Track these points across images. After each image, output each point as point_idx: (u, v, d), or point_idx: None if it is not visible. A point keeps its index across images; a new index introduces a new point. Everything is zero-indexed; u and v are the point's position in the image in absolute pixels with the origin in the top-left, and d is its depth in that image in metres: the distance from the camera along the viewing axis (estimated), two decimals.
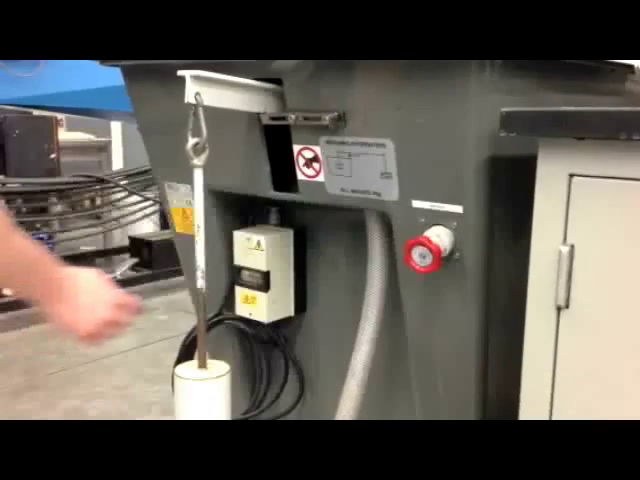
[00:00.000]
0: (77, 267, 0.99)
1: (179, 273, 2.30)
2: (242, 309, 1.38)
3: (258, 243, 1.32)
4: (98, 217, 4.67)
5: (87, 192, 4.07)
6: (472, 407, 1.13)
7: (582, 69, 1.12)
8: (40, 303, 0.96)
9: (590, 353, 0.90)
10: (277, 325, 1.41)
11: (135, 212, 4.28)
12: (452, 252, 1.04)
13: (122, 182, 4.07)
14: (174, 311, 3.80)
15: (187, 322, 1.52)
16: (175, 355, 1.46)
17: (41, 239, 4.55)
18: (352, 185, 1.13)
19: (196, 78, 1.02)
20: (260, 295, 1.35)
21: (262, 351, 1.46)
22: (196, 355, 1.15)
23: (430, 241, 1.01)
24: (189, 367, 1.07)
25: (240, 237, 1.36)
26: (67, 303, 0.95)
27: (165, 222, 4.52)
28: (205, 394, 1.03)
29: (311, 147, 1.15)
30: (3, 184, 3.68)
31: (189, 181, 1.15)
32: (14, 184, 3.69)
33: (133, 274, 4.33)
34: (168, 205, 1.47)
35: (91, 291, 0.97)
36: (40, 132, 4.04)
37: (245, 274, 1.36)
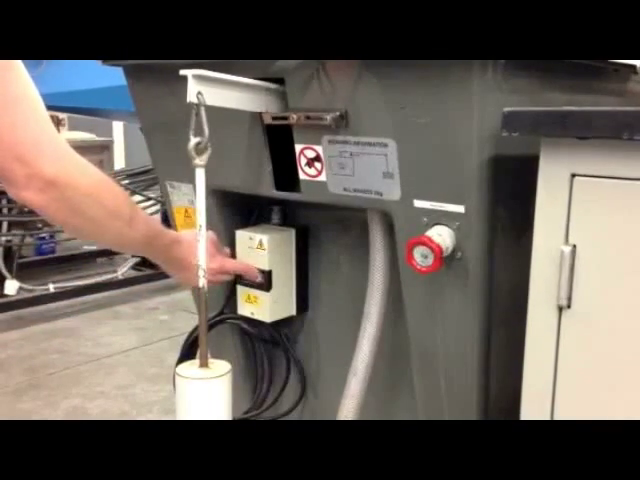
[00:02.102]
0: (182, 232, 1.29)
1: None
2: (244, 308, 1.38)
3: (260, 242, 1.33)
4: None
5: None
6: (474, 407, 1.13)
7: (585, 69, 1.11)
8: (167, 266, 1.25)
9: (592, 353, 0.89)
10: (279, 324, 1.41)
11: None
12: (454, 252, 1.04)
13: (124, 182, 4.07)
14: (176, 311, 3.81)
15: (189, 322, 1.52)
16: (177, 354, 1.46)
17: (43, 238, 4.57)
18: (354, 185, 1.13)
19: (198, 77, 1.02)
20: (262, 294, 1.35)
21: (264, 350, 1.46)
22: (198, 354, 1.15)
23: (432, 241, 1.01)
24: (191, 366, 1.07)
25: (242, 236, 1.36)
26: (183, 269, 1.22)
27: (167, 222, 4.52)
28: (206, 393, 1.03)
29: (313, 146, 1.15)
30: None
31: (191, 180, 1.16)
32: None
33: (135, 273, 4.33)
34: (170, 204, 1.47)
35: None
36: None
37: None
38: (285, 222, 1.40)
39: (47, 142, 0.94)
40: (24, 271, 4.00)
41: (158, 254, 1.21)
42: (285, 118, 1.16)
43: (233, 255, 1.37)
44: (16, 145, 0.90)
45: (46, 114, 0.95)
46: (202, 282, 1.05)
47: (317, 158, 1.16)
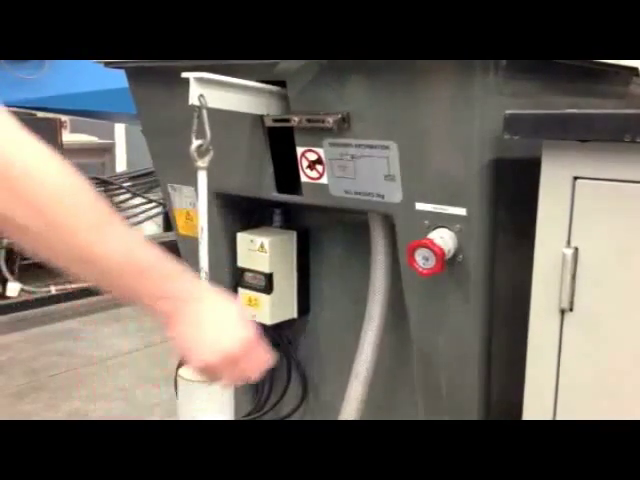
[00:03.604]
0: (207, 288, 0.87)
1: None
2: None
3: (261, 245, 1.32)
4: None
5: None
6: (475, 410, 1.13)
7: (586, 72, 1.11)
8: (151, 314, 0.82)
9: (594, 356, 0.89)
10: (280, 327, 1.41)
11: (138, 214, 4.28)
12: (455, 254, 1.04)
13: (125, 184, 4.08)
14: None
15: None
16: (178, 357, 1.46)
17: None
18: (355, 187, 1.13)
19: (200, 80, 1.02)
20: (263, 297, 1.35)
21: None
22: None
23: (433, 243, 1.01)
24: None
25: (243, 239, 1.36)
26: (187, 326, 0.81)
27: (168, 224, 4.52)
28: (208, 396, 1.03)
29: (314, 149, 1.15)
30: None
31: (192, 183, 1.16)
32: None
33: None
34: (171, 207, 1.47)
35: (219, 321, 0.82)
36: (44, 134, 3.98)
37: (248, 276, 1.36)
38: (286, 225, 1.40)
39: None
40: (26, 273, 4.00)
41: (147, 292, 0.79)
42: (287, 121, 1.16)
43: (235, 257, 1.37)
44: None
45: None
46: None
47: (318, 161, 1.16)
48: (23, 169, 0.69)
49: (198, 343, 0.81)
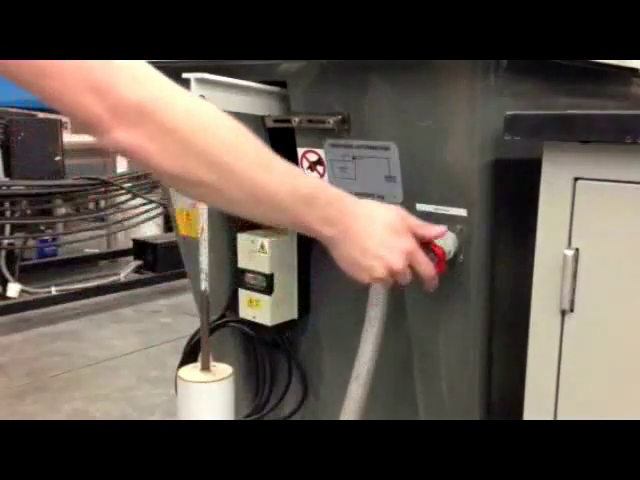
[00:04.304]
0: (368, 206, 0.92)
1: (183, 276, 2.31)
2: (246, 312, 1.38)
3: (262, 246, 1.33)
4: (102, 219, 4.68)
5: (91, 194, 4.08)
6: (476, 412, 1.13)
7: (587, 72, 1.11)
8: (317, 237, 0.88)
9: (594, 357, 0.89)
10: (280, 327, 1.41)
11: (139, 215, 4.28)
12: (456, 255, 1.04)
13: (126, 185, 4.08)
14: (178, 314, 3.81)
15: (191, 325, 1.52)
16: (179, 358, 1.46)
17: (45, 241, 4.57)
18: (356, 188, 1.13)
19: (201, 81, 1.02)
20: (264, 298, 1.35)
21: (265, 354, 1.46)
22: (200, 358, 1.15)
23: (434, 244, 1.01)
24: (193, 369, 1.07)
25: (244, 240, 1.36)
26: (350, 247, 0.88)
27: (169, 225, 4.53)
28: (208, 396, 1.03)
29: (315, 150, 1.15)
30: (8, 186, 3.68)
31: None
32: (19, 186, 3.70)
33: (137, 276, 4.34)
34: (172, 207, 1.48)
35: (380, 238, 0.89)
36: (45, 134, 4.04)
37: (249, 277, 1.36)
38: None
39: (121, 63, 0.72)
40: (26, 274, 4.01)
41: (314, 218, 0.85)
42: (287, 121, 1.16)
43: (235, 258, 1.37)
44: (86, 70, 0.69)
45: None
46: (204, 285, 1.05)
47: (319, 161, 1.16)
48: (200, 127, 0.74)
49: (362, 262, 0.89)
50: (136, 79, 0.72)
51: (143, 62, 0.74)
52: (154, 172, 0.77)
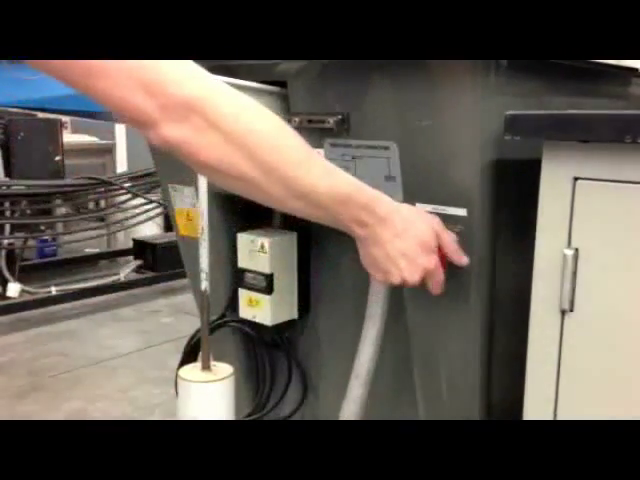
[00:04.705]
0: (405, 210, 0.95)
1: (183, 275, 2.31)
2: (246, 312, 1.38)
3: (262, 245, 1.33)
4: (102, 219, 4.68)
5: (91, 194, 4.08)
6: (476, 412, 1.13)
7: (587, 72, 1.11)
8: (351, 234, 0.92)
9: (595, 356, 0.89)
10: (280, 327, 1.41)
11: (139, 214, 4.29)
12: None
13: (126, 184, 4.08)
14: (178, 313, 3.81)
15: (191, 324, 1.52)
16: (179, 357, 1.46)
17: (45, 241, 4.57)
18: None
19: None
20: (264, 298, 1.34)
21: (265, 353, 1.46)
22: (200, 357, 1.15)
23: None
24: (193, 369, 1.07)
25: (244, 239, 1.36)
26: (380, 248, 0.92)
27: (169, 224, 4.53)
28: (209, 396, 1.03)
29: (315, 149, 1.15)
30: (8, 186, 3.69)
31: (193, 183, 1.16)
32: (19, 186, 3.70)
33: (137, 276, 4.34)
34: (172, 207, 1.48)
35: (411, 243, 0.93)
36: (45, 134, 4.04)
37: (249, 276, 1.36)
38: (287, 225, 1.40)
39: (169, 62, 0.76)
40: (26, 274, 4.01)
41: (346, 217, 0.89)
42: (287, 121, 1.16)
43: (235, 258, 1.37)
44: (136, 70, 0.73)
45: None
46: (204, 285, 1.05)
47: None
48: (245, 122, 0.78)
49: (381, 265, 0.94)
50: (184, 77, 0.76)
51: (190, 61, 0.78)
52: (197, 165, 0.80)
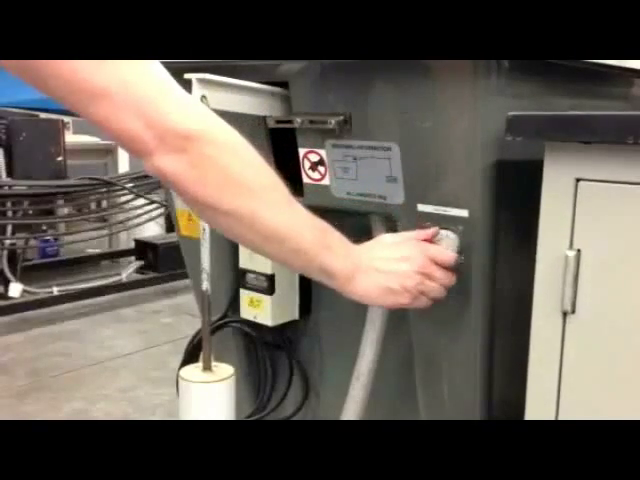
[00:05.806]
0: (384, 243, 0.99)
1: (184, 276, 2.31)
2: (247, 312, 1.38)
3: None
4: (104, 220, 4.69)
5: (93, 195, 4.08)
6: (477, 413, 1.13)
7: (589, 73, 1.11)
8: (328, 278, 0.94)
9: (596, 358, 0.89)
10: (281, 328, 1.41)
11: (141, 215, 4.29)
12: (457, 256, 1.04)
13: (128, 185, 4.08)
14: (179, 314, 3.81)
15: (192, 325, 1.52)
16: (180, 358, 1.46)
17: (47, 241, 4.58)
18: (358, 188, 1.13)
19: (202, 81, 1.02)
20: (265, 298, 1.35)
21: (266, 354, 1.46)
22: (201, 358, 1.15)
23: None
24: (194, 370, 1.07)
25: None
26: (367, 283, 0.95)
27: (170, 225, 4.53)
28: (210, 397, 1.03)
29: (317, 150, 1.15)
30: (10, 186, 3.69)
31: None
32: (21, 186, 3.71)
33: (138, 277, 4.34)
34: (173, 208, 1.48)
35: (389, 270, 0.95)
36: (47, 135, 4.05)
37: (250, 277, 1.36)
38: None
39: (170, 92, 0.76)
40: (28, 274, 4.01)
41: (333, 251, 0.92)
42: (289, 122, 1.16)
43: (237, 258, 1.37)
44: (136, 101, 0.73)
45: (163, 71, 0.78)
46: (205, 285, 1.05)
47: (321, 162, 1.16)
48: (238, 159, 0.80)
49: (377, 298, 0.96)
50: (183, 109, 0.76)
51: (184, 92, 0.79)
52: (187, 200, 0.81)
